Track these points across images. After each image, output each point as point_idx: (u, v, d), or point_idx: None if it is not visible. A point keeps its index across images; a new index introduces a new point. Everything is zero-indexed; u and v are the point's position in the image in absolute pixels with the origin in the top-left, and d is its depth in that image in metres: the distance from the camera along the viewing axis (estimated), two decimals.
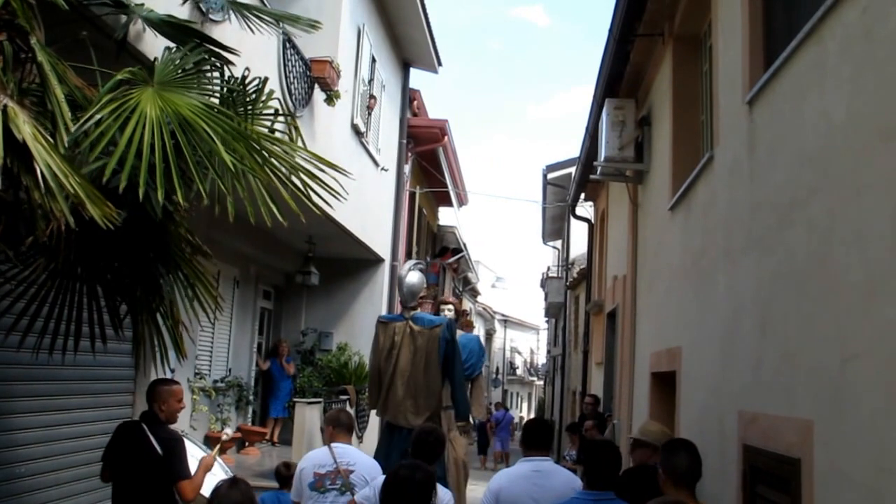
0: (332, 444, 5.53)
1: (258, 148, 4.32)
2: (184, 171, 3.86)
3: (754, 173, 4.78)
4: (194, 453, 5.64)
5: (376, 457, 7.92)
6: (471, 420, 8.83)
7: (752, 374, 4.62)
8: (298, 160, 4.61)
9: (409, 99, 16.42)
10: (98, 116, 3.69)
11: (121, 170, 3.63)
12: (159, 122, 3.85)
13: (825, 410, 3.49)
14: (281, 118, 4.96)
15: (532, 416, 42.47)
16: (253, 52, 7.38)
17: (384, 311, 13.85)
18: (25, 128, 3.22)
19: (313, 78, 9.50)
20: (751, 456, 4.50)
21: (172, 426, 5.27)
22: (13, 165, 3.20)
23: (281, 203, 4.33)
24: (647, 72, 8.83)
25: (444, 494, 4.93)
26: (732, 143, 5.31)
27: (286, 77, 8.74)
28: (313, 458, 5.50)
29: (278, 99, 5.04)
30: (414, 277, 8.28)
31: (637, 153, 8.92)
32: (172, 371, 7.77)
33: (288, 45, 8.77)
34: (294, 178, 4.48)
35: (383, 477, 4.43)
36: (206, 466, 5.26)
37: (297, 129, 5.06)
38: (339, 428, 5.65)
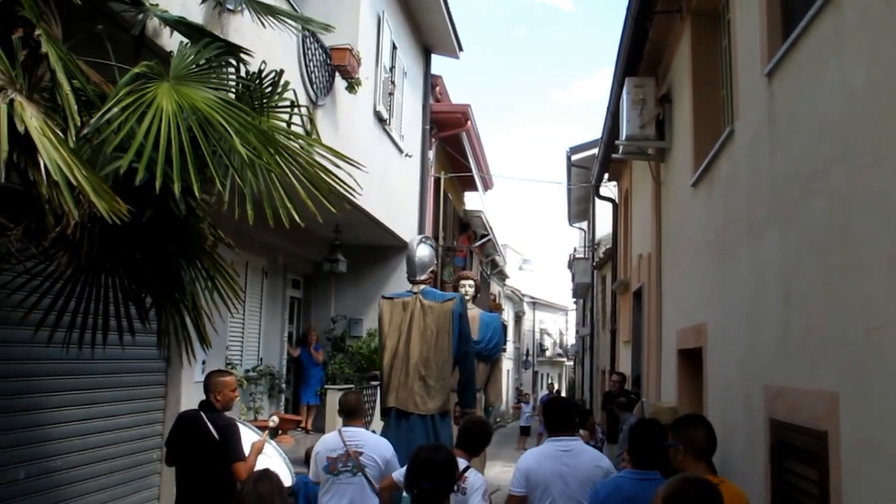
0: (342, 428, 5.71)
1: (274, 141, 4.32)
2: (202, 166, 3.89)
3: (775, 145, 4.74)
4: (250, 437, 5.96)
5: None
6: (488, 406, 8.61)
7: (777, 347, 4.60)
8: (315, 157, 4.59)
9: (432, 85, 16.40)
10: (115, 110, 3.71)
11: (138, 162, 3.65)
12: (175, 116, 3.86)
13: (851, 381, 3.47)
14: (297, 111, 4.94)
15: (564, 396, 42.46)
16: (273, 41, 7.41)
17: None
18: (32, 122, 3.23)
19: (334, 66, 9.52)
20: (778, 430, 4.48)
21: (228, 413, 5.71)
22: (20, 160, 3.24)
23: (298, 202, 4.29)
24: (666, 49, 8.76)
25: (475, 480, 4.97)
26: (752, 116, 5.26)
27: (307, 66, 8.76)
28: (326, 442, 5.69)
29: (293, 90, 5.02)
30: (424, 251, 7.80)
31: (658, 131, 8.87)
32: (204, 363, 7.89)
33: (307, 32, 8.78)
34: (311, 175, 4.45)
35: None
36: (257, 450, 5.71)
37: (312, 122, 5.06)
38: (346, 413, 5.82)
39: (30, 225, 3.60)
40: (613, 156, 10.69)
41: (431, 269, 7.83)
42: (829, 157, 3.82)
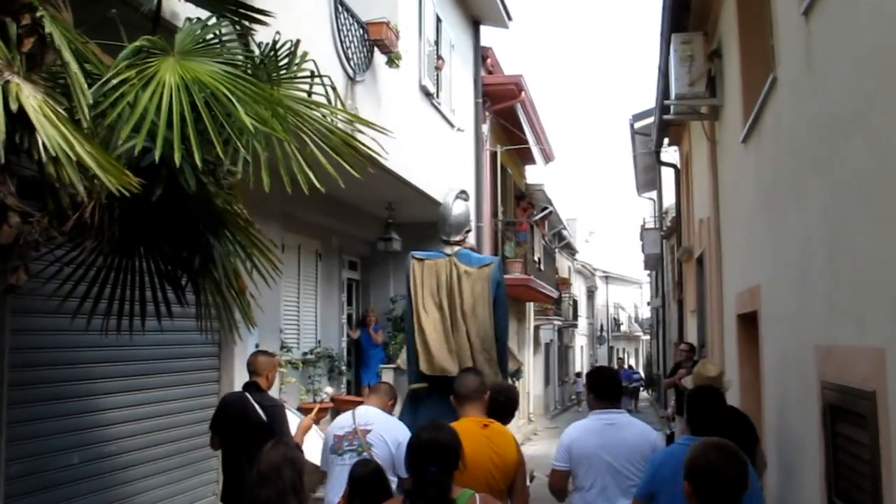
0: (356, 408, 5.37)
1: (291, 110, 4.22)
2: (205, 136, 3.80)
3: (815, 89, 4.46)
4: (294, 421, 5.96)
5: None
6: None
7: (825, 304, 4.34)
8: (339, 123, 4.50)
9: (482, 57, 16.17)
10: (115, 82, 3.65)
11: (152, 143, 3.59)
12: (178, 88, 3.78)
13: None
14: (318, 81, 4.82)
15: (640, 370, 41.84)
16: (303, 17, 7.30)
17: None
18: (29, 101, 3.17)
19: (372, 41, 9.38)
20: (828, 393, 4.23)
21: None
22: (22, 141, 3.19)
23: (318, 169, 4.18)
24: (713, 1, 8.40)
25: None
26: (792, 60, 4.98)
27: (342, 42, 8.64)
28: (337, 422, 5.34)
29: (314, 61, 4.90)
30: (460, 207, 7.00)
31: (711, 88, 8.54)
32: (257, 346, 7.89)
33: (341, 7, 8.66)
34: (332, 142, 4.35)
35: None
36: (304, 428, 5.75)
37: (335, 89, 4.93)
38: (372, 393, 5.57)
39: (52, 209, 3.57)
40: (665, 117, 10.36)
41: (467, 228, 7.06)
42: (866, 94, 3.55)
